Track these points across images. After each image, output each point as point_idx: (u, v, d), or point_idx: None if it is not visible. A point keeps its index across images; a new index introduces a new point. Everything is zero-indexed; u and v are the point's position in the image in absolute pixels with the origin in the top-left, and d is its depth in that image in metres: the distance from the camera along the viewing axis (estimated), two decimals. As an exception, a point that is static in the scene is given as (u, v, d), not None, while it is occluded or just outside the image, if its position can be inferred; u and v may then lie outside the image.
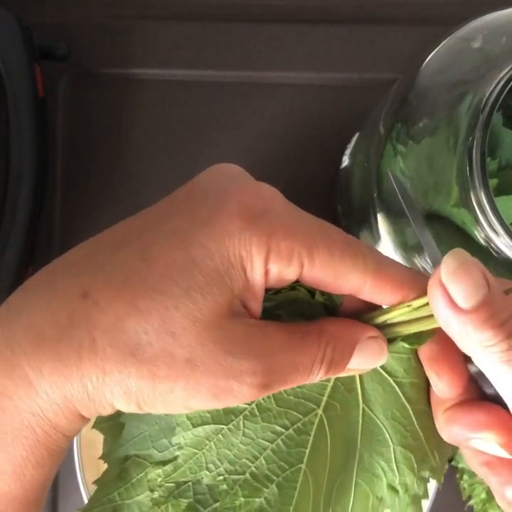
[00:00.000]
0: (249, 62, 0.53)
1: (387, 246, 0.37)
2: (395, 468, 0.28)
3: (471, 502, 0.47)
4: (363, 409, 0.27)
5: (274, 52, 0.53)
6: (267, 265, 0.22)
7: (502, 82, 0.31)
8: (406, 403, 0.27)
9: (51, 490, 0.51)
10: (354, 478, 0.27)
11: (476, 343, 0.21)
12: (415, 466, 0.28)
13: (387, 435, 0.27)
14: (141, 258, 0.21)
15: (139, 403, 0.21)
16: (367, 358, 0.24)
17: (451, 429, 0.25)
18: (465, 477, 0.48)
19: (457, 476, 0.49)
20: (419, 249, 0.35)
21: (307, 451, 0.26)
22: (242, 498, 0.25)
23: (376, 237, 0.39)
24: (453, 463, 0.49)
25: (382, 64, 0.52)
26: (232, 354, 0.21)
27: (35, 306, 0.21)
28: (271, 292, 0.25)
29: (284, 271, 0.22)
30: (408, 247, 0.36)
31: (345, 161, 0.48)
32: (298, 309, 0.25)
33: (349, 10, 0.54)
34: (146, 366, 0.20)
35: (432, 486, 0.45)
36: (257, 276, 0.22)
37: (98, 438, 0.46)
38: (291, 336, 0.23)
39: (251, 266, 0.22)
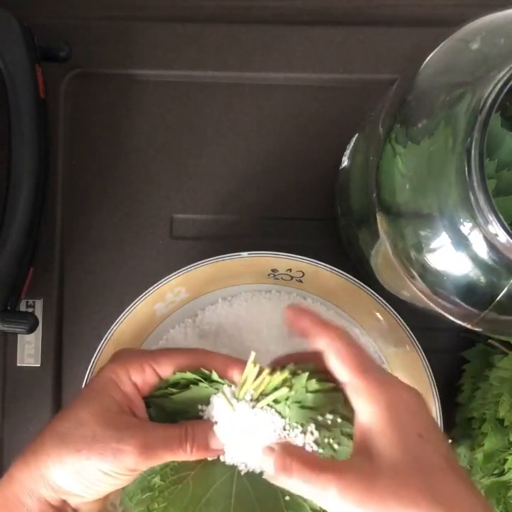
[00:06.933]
0: (249, 63, 0.53)
1: (385, 245, 0.38)
2: None
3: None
4: None
5: (273, 54, 0.53)
6: (132, 379, 0.37)
7: (500, 83, 0.32)
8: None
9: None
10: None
11: None
12: None
13: None
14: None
15: (75, 475, 0.34)
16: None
17: None
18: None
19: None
20: (417, 249, 0.36)
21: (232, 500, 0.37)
22: None
23: (375, 236, 0.39)
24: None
25: (382, 65, 0.53)
26: (119, 431, 0.35)
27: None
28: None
29: (146, 377, 0.37)
30: (406, 247, 0.36)
31: (345, 161, 0.48)
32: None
33: (348, 11, 0.54)
34: (71, 445, 0.34)
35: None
36: (127, 387, 0.37)
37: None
38: (159, 425, 0.36)
39: (121, 382, 0.37)
